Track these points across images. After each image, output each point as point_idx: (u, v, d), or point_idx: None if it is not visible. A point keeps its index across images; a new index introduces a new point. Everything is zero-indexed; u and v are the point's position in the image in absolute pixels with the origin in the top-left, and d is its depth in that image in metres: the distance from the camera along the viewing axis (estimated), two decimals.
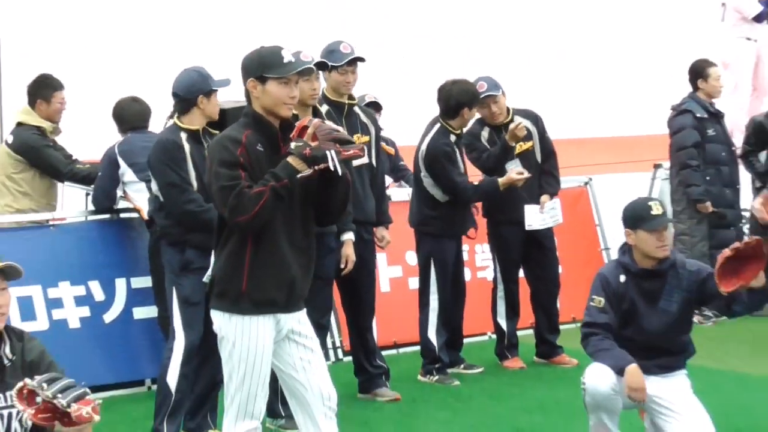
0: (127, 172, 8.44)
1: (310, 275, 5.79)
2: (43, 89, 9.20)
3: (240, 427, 5.69)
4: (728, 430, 7.02)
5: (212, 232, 6.80)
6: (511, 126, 8.98)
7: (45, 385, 4.69)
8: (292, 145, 5.43)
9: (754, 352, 9.32)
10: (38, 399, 4.73)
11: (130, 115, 8.72)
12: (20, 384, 4.75)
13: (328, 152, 5.36)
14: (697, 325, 10.00)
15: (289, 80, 5.58)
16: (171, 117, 7.94)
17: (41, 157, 9.06)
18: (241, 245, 5.55)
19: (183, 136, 7.30)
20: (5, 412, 4.96)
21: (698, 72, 10.58)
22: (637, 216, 6.89)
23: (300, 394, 5.75)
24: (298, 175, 5.43)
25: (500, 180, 8.88)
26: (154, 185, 7.37)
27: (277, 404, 7.78)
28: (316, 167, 5.39)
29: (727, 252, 6.53)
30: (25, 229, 8.77)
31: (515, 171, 8.89)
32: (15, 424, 4.97)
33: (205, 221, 7.09)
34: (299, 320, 5.71)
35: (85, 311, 8.59)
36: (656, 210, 6.88)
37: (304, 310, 5.77)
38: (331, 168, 5.36)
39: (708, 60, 10.68)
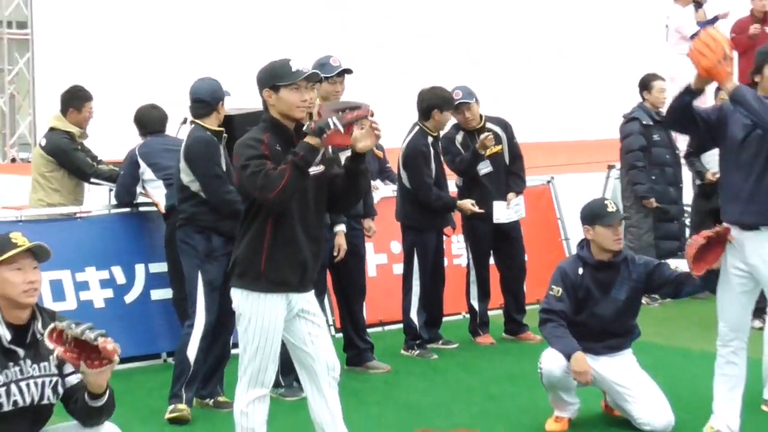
0: (146, 171, 8.43)
1: (320, 261, 5.84)
2: (76, 100, 9.19)
3: (251, 394, 5.73)
4: (673, 399, 7.05)
5: (237, 221, 6.92)
6: (482, 136, 9.01)
7: (73, 326, 4.73)
8: (304, 127, 5.51)
9: (695, 330, 9.36)
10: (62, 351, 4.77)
11: (150, 121, 8.71)
12: (51, 326, 4.78)
13: (329, 120, 5.41)
14: (645, 307, 10.06)
15: (299, 86, 5.63)
16: (184, 122, 7.93)
17: (70, 160, 9.05)
18: (261, 232, 5.59)
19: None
20: (39, 381, 4.94)
21: (644, 84, 10.61)
22: (594, 213, 6.95)
23: (308, 365, 5.79)
24: (311, 170, 5.48)
25: (458, 202, 8.98)
26: (186, 177, 7.36)
27: (278, 375, 7.78)
28: (324, 135, 5.40)
29: (701, 240, 6.54)
30: (55, 220, 8.76)
31: (469, 202, 8.99)
32: (48, 391, 4.96)
33: (239, 211, 7.17)
34: (308, 300, 5.76)
35: (108, 293, 8.59)
36: (611, 208, 6.97)
37: (313, 291, 5.81)
38: (332, 127, 5.38)
39: (655, 74, 10.69)
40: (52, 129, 9.16)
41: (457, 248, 10.07)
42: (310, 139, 5.46)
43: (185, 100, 7.68)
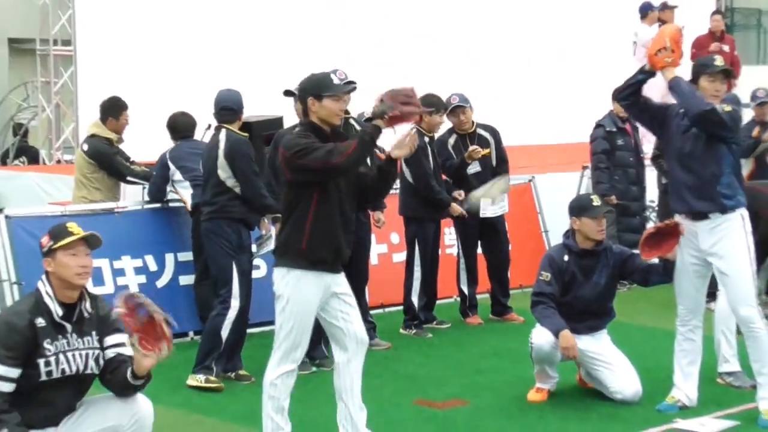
0: (176, 173, 8.45)
1: (350, 246, 5.89)
2: (114, 109, 9.19)
3: (282, 369, 5.77)
4: (638, 372, 7.09)
5: (264, 214, 7.18)
6: (470, 149, 9.04)
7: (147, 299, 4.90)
8: (372, 111, 5.68)
9: (658, 311, 9.37)
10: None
11: (181, 126, 8.69)
12: (127, 292, 4.91)
13: (391, 104, 5.56)
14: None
15: (339, 97, 5.72)
16: (208, 128, 7.93)
17: (109, 163, 9.07)
18: (304, 217, 5.65)
19: None
20: (84, 353, 4.98)
21: (612, 95, 10.59)
22: (581, 207, 7.00)
23: (340, 338, 5.85)
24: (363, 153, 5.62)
25: (451, 203, 8.96)
26: (223, 173, 7.39)
27: None
28: (385, 117, 5.55)
29: (651, 229, 6.64)
30: (96, 215, 8.77)
31: (458, 210, 8.97)
32: (91, 362, 5.01)
33: (268, 205, 7.34)
34: (340, 282, 5.81)
35: (142, 279, 8.61)
36: (596, 202, 7.04)
37: (343, 273, 5.85)
38: (390, 112, 5.54)
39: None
40: (93, 135, 9.16)
41: (448, 239, 10.08)
42: (375, 122, 5.60)
43: (209, 108, 7.69)
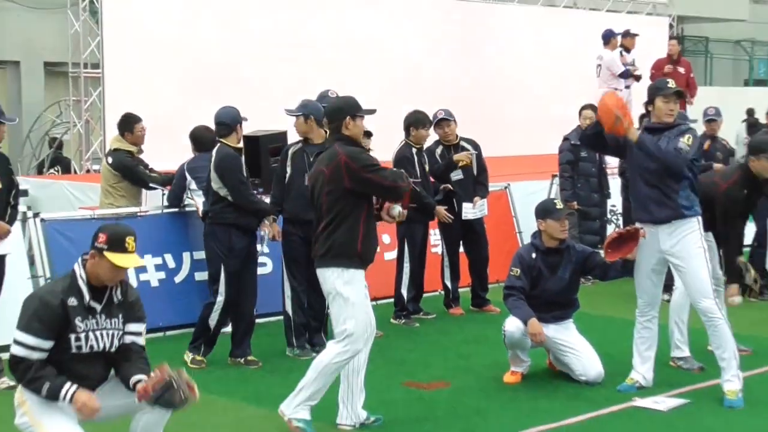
0: (192, 183, 8.43)
1: None
2: (127, 124, 9.16)
3: (340, 357, 5.79)
4: (601, 356, 7.11)
5: (258, 218, 7.12)
6: (463, 153, 9.07)
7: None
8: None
9: (619, 303, 9.37)
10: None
11: (204, 140, 8.59)
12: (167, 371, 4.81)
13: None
14: (580, 285, 10.08)
15: (363, 117, 5.83)
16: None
17: (132, 173, 9.06)
18: (357, 223, 5.69)
19: None
20: (110, 332, 4.95)
21: (579, 112, 10.63)
22: (546, 210, 7.03)
23: None
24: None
25: (437, 207, 8.98)
26: (215, 184, 7.36)
27: (291, 337, 7.80)
28: (408, 189, 5.82)
29: (614, 234, 6.70)
30: (121, 218, 8.69)
31: (443, 214, 8.99)
32: (116, 341, 4.99)
33: (258, 209, 7.35)
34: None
35: (161, 275, 8.60)
36: (559, 205, 7.08)
37: None
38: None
39: (588, 104, 10.67)
40: (116, 149, 9.15)
41: (434, 239, 10.10)
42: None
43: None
